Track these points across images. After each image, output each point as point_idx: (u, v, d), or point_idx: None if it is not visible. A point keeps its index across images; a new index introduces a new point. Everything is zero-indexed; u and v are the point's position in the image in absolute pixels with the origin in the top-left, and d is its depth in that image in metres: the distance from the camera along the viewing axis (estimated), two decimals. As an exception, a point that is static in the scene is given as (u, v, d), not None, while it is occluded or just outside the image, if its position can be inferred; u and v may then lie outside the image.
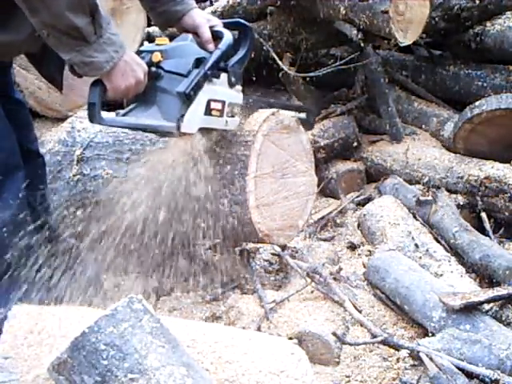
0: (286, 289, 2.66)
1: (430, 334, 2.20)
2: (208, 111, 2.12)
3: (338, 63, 3.91)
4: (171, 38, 2.26)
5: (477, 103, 3.41)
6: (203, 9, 4.62)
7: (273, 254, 2.81)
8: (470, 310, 2.18)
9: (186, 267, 2.58)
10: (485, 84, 3.91)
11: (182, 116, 2.04)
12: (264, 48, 4.05)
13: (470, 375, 1.95)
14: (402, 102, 4.17)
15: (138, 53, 2.08)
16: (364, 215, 3.26)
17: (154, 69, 2.04)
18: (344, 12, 3.66)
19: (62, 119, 3.09)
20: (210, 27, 2.21)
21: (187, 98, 2.03)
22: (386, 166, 3.84)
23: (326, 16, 3.85)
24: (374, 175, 3.89)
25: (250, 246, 2.81)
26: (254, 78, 4.53)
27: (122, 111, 2.08)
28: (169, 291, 2.56)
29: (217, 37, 2.20)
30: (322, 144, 3.87)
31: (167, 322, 1.51)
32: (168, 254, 2.35)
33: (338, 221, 3.51)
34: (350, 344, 2.23)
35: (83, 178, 2.59)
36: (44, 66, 2.17)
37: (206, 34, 2.19)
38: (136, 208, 2.15)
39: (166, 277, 2.52)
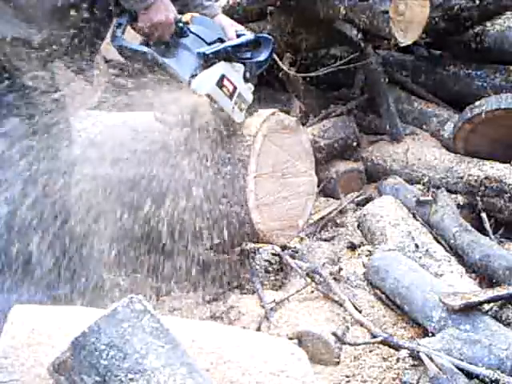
0: (286, 289, 2.66)
1: (430, 334, 2.20)
2: (220, 84, 2.21)
3: (338, 63, 3.91)
4: None
5: (477, 103, 3.41)
6: (203, 9, 4.63)
7: (273, 254, 2.81)
8: (469, 310, 2.17)
9: (186, 267, 2.58)
10: (485, 84, 3.91)
11: (196, 75, 2.16)
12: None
13: (470, 375, 1.95)
14: (402, 101, 4.17)
15: None
16: (364, 215, 3.26)
17: (181, 25, 2.19)
18: (344, 12, 3.66)
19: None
20: (236, 31, 2.37)
21: (205, 61, 2.17)
22: (385, 166, 3.84)
23: (325, 16, 3.85)
24: (374, 175, 3.88)
25: (250, 245, 2.80)
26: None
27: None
28: (169, 291, 2.56)
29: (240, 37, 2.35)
30: (321, 144, 3.86)
31: (167, 321, 1.51)
32: (168, 254, 2.35)
33: (338, 221, 3.51)
34: (350, 344, 2.23)
35: (83, 178, 2.58)
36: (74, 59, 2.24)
37: (231, 33, 2.36)
38: (135, 208, 2.16)
39: (166, 277, 2.52)
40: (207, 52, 2.19)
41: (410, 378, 2.02)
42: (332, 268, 2.67)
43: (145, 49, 2.16)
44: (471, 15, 3.89)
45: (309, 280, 2.54)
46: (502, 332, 2.09)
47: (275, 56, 3.93)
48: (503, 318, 2.25)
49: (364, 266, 2.74)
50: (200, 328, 1.73)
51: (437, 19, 3.81)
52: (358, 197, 3.72)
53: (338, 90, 4.41)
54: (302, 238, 3.17)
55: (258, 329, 2.30)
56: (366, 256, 2.94)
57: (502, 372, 1.94)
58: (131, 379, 1.32)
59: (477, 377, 1.94)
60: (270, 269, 2.77)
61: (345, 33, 4.16)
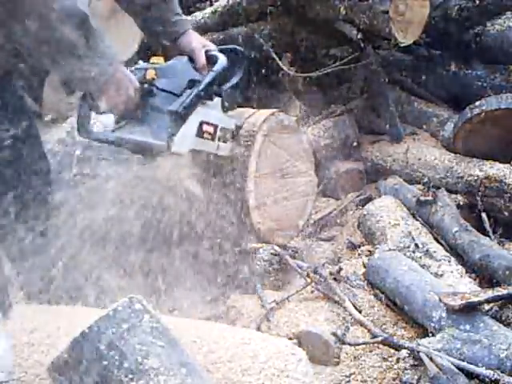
0: (285, 289, 2.66)
1: (430, 334, 2.20)
2: (200, 133, 2.10)
3: (338, 63, 3.91)
4: (166, 58, 2.24)
5: (477, 103, 3.40)
6: (203, 9, 4.63)
7: (273, 254, 2.81)
8: (469, 310, 2.17)
9: (186, 267, 2.58)
10: (485, 84, 3.91)
11: (173, 135, 1.99)
12: (264, 48, 4.05)
13: (470, 375, 1.94)
14: (402, 101, 4.17)
15: (133, 70, 2.05)
16: (364, 215, 3.26)
17: (147, 86, 2.02)
18: (344, 12, 3.66)
19: (62, 119, 3.09)
20: (206, 51, 2.20)
21: (179, 118, 2.00)
22: (385, 166, 3.84)
23: (325, 16, 3.85)
24: (374, 175, 3.88)
25: (250, 245, 2.80)
26: (254, 78, 4.53)
27: (112, 127, 2.05)
28: (169, 291, 2.56)
29: (211, 61, 2.19)
30: (321, 144, 3.86)
31: (167, 321, 1.51)
32: (168, 254, 2.36)
33: (338, 221, 3.51)
34: (350, 344, 2.23)
35: (83, 178, 2.59)
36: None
37: (201, 58, 2.19)
38: (134, 209, 2.16)
39: (166, 277, 2.52)
40: (179, 110, 2.01)
41: (410, 378, 2.02)
42: (332, 268, 2.67)
43: (111, 137, 2.03)
44: (471, 15, 3.89)
45: (309, 280, 2.54)
46: (501, 332, 2.09)
47: (275, 56, 3.94)
48: (503, 318, 2.25)
49: (364, 266, 2.74)
50: (200, 328, 1.74)
51: (437, 19, 3.81)
52: (358, 197, 3.72)
53: (338, 90, 4.41)
54: (302, 238, 3.17)
55: (258, 329, 2.30)
56: (366, 256, 2.94)
57: (502, 372, 1.94)
58: (131, 379, 1.32)
59: (477, 377, 1.94)
60: (270, 269, 2.77)
61: (345, 33, 4.17)
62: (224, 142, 2.22)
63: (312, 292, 2.52)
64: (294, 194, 2.52)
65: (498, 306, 2.27)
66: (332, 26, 4.12)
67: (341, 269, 2.67)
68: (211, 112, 2.14)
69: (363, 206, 3.47)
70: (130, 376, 1.32)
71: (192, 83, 2.09)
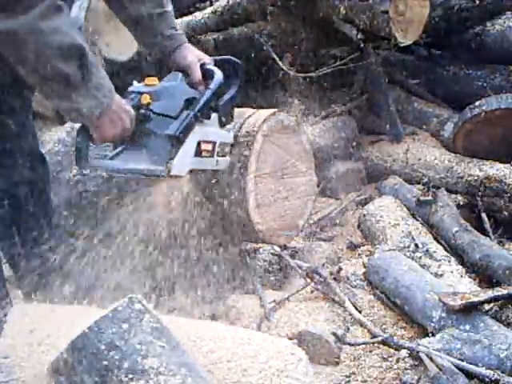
0: (286, 289, 2.66)
1: (430, 334, 2.20)
2: (198, 153, 2.07)
3: (338, 63, 3.91)
4: (161, 75, 2.20)
5: (477, 103, 3.41)
6: (203, 9, 4.63)
7: (273, 254, 2.81)
8: (470, 310, 2.17)
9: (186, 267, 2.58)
10: (485, 84, 3.91)
11: (172, 159, 1.97)
12: (264, 48, 4.06)
13: (469, 375, 1.95)
14: (402, 101, 4.17)
15: (127, 93, 2.02)
16: (364, 215, 3.26)
17: (142, 111, 1.99)
18: (344, 12, 3.66)
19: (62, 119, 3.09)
20: (201, 65, 2.17)
21: (177, 141, 1.97)
22: (386, 165, 3.84)
23: (325, 16, 3.85)
24: (374, 175, 3.88)
25: (250, 245, 2.80)
26: (254, 78, 4.53)
27: (110, 153, 2.03)
28: (169, 291, 2.56)
29: (207, 75, 2.15)
30: (321, 144, 3.86)
31: (167, 321, 1.51)
32: (169, 253, 2.35)
33: (338, 221, 3.51)
34: (350, 344, 2.23)
35: (83, 178, 2.59)
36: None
37: (197, 74, 2.15)
38: (135, 212, 2.15)
39: (166, 277, 2.52)
40: (177, 134, 1.96)
41: (410, 378, 2.02)
42: (332, 268, 2.67)
43: (110, 168, 2.00)
44: (471, 15, 3.89)
45: (309, 280, 2.54)
46: (501, 332, 2.09)
47: (275, 56, 3.95)
48: (503, 318, 2.25)
49: (364, 266, 2.74)
50: (200, 328, 1.74)
51: (437, 19, 3.81)
52: (358, 197, 3.72)
53: (338, 90, 4.41)
54: (302, 238, 3.17)
55: (258, 329, 2.30)
56: (366, 256, 2.94)
57: (502, 372, 1.94)
58: (131, 379, 1.32)
59: (477, 377, 1.94)
60: (270, 269, 2.77)
61: (345, 33, 4.17)
62: (223, 155, 2.21)
63: (312, 292, 2.52)
64: (294, 194, 2.52)
65: (498, 306, 2.28)
66: (332, 26, 4.12)
67: (341, 269, 2.68)
68: (209, 129, 2.11)
69: (363, 206, 3.47)
70: (130, 376, 1.32)
71: (188, 103, 2.06)
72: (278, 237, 2.48)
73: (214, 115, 2.11)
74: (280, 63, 3.94)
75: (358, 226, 3.32)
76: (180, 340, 1.48)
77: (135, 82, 2.12)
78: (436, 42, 4.25)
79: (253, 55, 4.22)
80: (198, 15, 4.36)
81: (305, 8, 3.97)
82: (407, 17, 3.44)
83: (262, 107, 2.54)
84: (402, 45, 3.56)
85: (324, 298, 2.47)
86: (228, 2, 4.21)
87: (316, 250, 2.98)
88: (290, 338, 2.19)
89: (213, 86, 2.10)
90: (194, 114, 2.02)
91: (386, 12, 3.40)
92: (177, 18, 4.44)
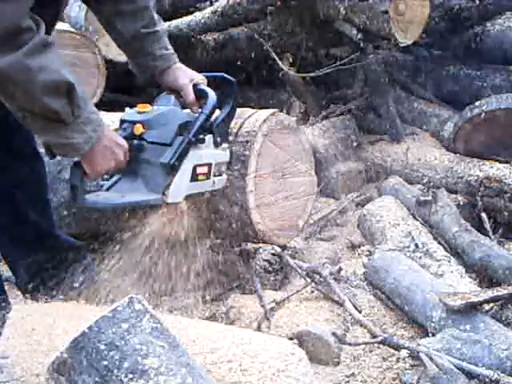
0: (286, 289, 2.66)
1: (430, 334, 2.20)
2: (194, 177, 2.05)
3: (338, 63, 3.91)
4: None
5: (477, 103, 3.41)
6: (203, 9, 4.63)
7: (273, 254, 2.81)
8: (470, 309, 2.17)
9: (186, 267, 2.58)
10: (485, 84, 3.91)
11: (168, 187, 1.96)
12: (264, 48, 4.06)
13: (470, 375, 1.94)
14: (402, 101, 4.17)
15: (120, 123, 2.01)
16: (364, 215, 3.26)
17: (136, 141, 1.97)
18: (344, 12, 3.66)
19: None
20: (194, 85, 2.12)
21: (172, 169, 1.96)
22: (386, 166, 3.84)
23: (326, 16, 3.85)
24: (374, 175, 3.89)
25: (250, 245, 2.80)
26: (254, 78, 4.54)
27: (106, 184, 2.01)
28: (169, 291, 2.56)
29: (200, 95, 2.11)
30: (321, 144, 3.87)
31: (167, 321, 1.51)
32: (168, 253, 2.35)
33: (338, 221, 3.51)
34: (350, 344, 2.23)
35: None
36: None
37: (190, 95, 2.11)
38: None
39: (166, 277, 2.52)
40: (171, 162, 1.94)
41: (410, 378, 2.02)
42: (332, 268, 2.67)
43: (107, 204, 1.98)
44: (471, 15, 3.90)
45: (309, 280, 2.54)
46: (502, 332, 2.09)
47: (275, 56, 3.95)
48: (503, 318, 2.25)
49: (364, 266, 2.74)
50: (200, 328, 1.74)
51: (437, 19, 3.82)
52: (358, 197, 3.73)
53: (338, 90, 4.41)
54: (302, 238, 3.17)
55: (258, 329, 2.30)
56: (366, 256, 2.94)
57: (502, 372, 1.94)
58: (131, 379, 1.32)
59: (477, 377, 1.94)
60: (270, 269, 2.77)
61: (345, 33, 4.17)
62: (219, 175, 2.19)
63: (312, 292, 2.52)
64: (294, 194, 2.52)
65: (497, 306, 2.28)
66: (332, 26, 4.12)
67: (341, 269, 2.68)
68: (203, 152, 2.07)
69: (363, 206, 3.47)
70: (130, 376, 1.32)
71: (182, 128, 2.03)
72: (277, 237, 2.48)
73: (208, 136, 2.08)
74: (280, 63, 3.95)
75: (358, 226, 3.32)
76: (180, 340, 1.48)
77: (127, 109, 2.10)
78: (436, 42, 4.26)
79: (253, 55, 4.23)
80: (198, 15, 4.36)
81: (305, 8, 3.97)
82: (407, 17, 3.45)
83: (262, 107, 2.54)
84: (401, 45, 3.57)
85: (324, 298, 2.47)
86: (228, 2, 4.21)
87: (316, 250, 2.98)
88: (290, 338, 2.19)
89: (206, 109, 2.06)
90: (188, 140, 1.99)
91: (386, 12, 3.40)
92: (177, 18, 4.48)
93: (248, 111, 2.46)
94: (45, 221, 2.24)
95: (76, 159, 1.83)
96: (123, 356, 1.35)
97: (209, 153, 2.10)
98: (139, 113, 2.04)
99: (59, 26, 3.39)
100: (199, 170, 2.07)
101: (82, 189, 1.89)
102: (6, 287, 2.43)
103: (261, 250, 2.83)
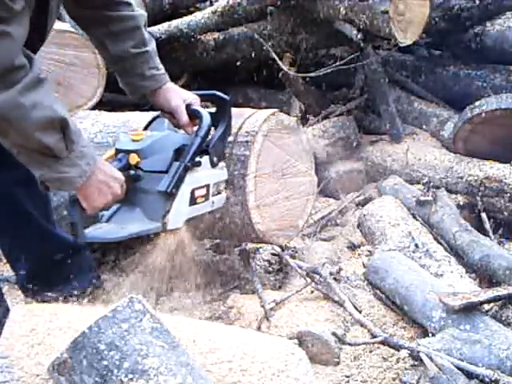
0: (286, 289, 2.66)
1: (430, 334, 2.20)
2: (193, 201, 2.04)
3: (338, 63, 3.91)
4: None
5: (477, 103, 3.41)
6: (203, 9, 4.63)
7: (273, 254, 2.81)
8: (470, 310, 2.17)
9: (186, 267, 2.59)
10: (485, 84, 3.91)
11: (167, 214, 1.96)
12: (264, 48, 4.06)
13: (470, 375, 1.94)
14: (402, 101, 4.17)
15: (116, 152, 1.99)
16: (364, 215, 3.26)
17: (132, 172, 1.96)
18: (344, 12, 3.66)
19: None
20: (187, 106, 2.10)
21: (169, 196, 1.95)
22: (385, 165, 3.84)
23: (326, 16, 3.85)
24: (374, 175, 3.89)
25: (250, 245, 2.80)
26: (254, 79, 4.54)
27: (105, 214, 1.99)
28: (169, 291, 2.57)
29: (194, 115, 2.09)
30: (321, 144, 3.87)
31: (167, 321, 1.51)
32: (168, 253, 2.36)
33: (338, 221, 3.51)
34: (350, 344, 2.23)
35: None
36: None
37: (184, 118, 2.09)
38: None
39: (166, 277, 2.52)
40: (168, 189, 1.93)
41: (410, 378, 2.02)
42: (332, 268, 2.67)
43: (107, 238, 1.95)
44: (471, 15, 3.90)
45: (309, 280, 2.54)
46: (502, 332, 2.09)
47: (275, 56, 3.95)
48: (503, 318, 2.25)
49: (364, 266, 2.74)
50: (200, 328, 1.73)
51: (437, 19, 3.82)
52: (357, 197, 3.73)
53: (338, 89, 4.41)
54: (302, 238, 3.17)
55: (258, 329, 2.30)
56: (366, 256, 2.94)
57: (502, 372, 1.94)
58: (131, 379, 1.32)
59: (477, 377, 1.94)
60: (270, 269, 2.77)
61: (345, 33, 4.17)
62: (218, 193, 2.18)
63: (312, 292, 2.52)
64: (294, 194, 2.52)
65: (497, 306, 2.28)
66: (332, 26, 4.12)
67: (341, 269, 2.67)
68: (200, 174, 2.06)
69: (363, 206, 3.47)
70: (130, 376, 1.32)
71: (178, 153, 2.01)
72: (277, 237, 2.48)
73: (205, 157, 2.07)
74: (280, 63, 3.95)
75: (358, 226, 3.32)
76: (180, 340, 1.48)
77: (121, 136, 2.08)
78: (436, 41, 4.26)
79: (253, 55, 4.23)
80: (198, 15, 4.36)
81: (305, 8, 3.97)
82: (407, 17, 3.44)
83: (261, 107, 2.54)
84: (401, 45, 3.56)
85: (324, 298, 2.47)
86: (228, 2, 4.21)
87: (316, 250, 2.98)
88: (290, 338, 2.19)
89: (201, 131, 2.03)
90: (185, 166, 1.98)
91: (386, 12, 3.40)
92: (177, 18, 4.48)
93: (248, 111, 2.46)
94: (45, 220, 2.24)
95: (73, 196, 1.81)
96: (123, 356, 1.35)
97: (206, 174, 2.09)
98: (133, 141, 2.01)
99: (59, 25, 3.39)
100: (197, 193, 2.06)
101: (82, 225, 1.87)
102: (6, 287, 2.44)
103: (261, 250, 2.83)
